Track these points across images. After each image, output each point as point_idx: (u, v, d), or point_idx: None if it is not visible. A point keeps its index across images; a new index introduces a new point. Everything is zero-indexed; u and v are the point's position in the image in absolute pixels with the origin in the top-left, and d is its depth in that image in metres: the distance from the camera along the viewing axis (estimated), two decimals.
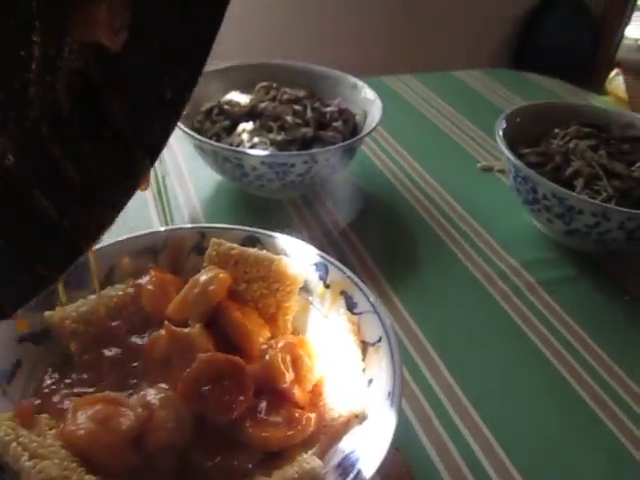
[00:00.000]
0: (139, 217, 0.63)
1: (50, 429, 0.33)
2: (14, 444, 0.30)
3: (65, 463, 0.30)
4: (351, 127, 0.69)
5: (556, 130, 0.66)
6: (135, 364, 0.39)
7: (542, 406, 0.47)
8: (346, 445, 0.33)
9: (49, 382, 0.37)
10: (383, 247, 0.63)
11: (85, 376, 0.37)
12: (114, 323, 0.40)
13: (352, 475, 0.30)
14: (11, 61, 0.24)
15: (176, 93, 0.30)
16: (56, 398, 0.36)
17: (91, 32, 0.25)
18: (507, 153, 0.59)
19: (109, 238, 0.43)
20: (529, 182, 0.58)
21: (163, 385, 0.35)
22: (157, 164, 0.67)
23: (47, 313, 0.38)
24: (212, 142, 0.60)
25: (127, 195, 0.27)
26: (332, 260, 0.43)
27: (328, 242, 0.62)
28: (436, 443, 0.43)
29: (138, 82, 0.28)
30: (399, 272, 0.59)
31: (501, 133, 0.62)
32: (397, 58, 1.63)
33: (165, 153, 0.75)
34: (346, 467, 0.31)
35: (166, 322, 0.38)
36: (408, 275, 0.60)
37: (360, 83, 0.73)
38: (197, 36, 0.29)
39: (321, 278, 0.43)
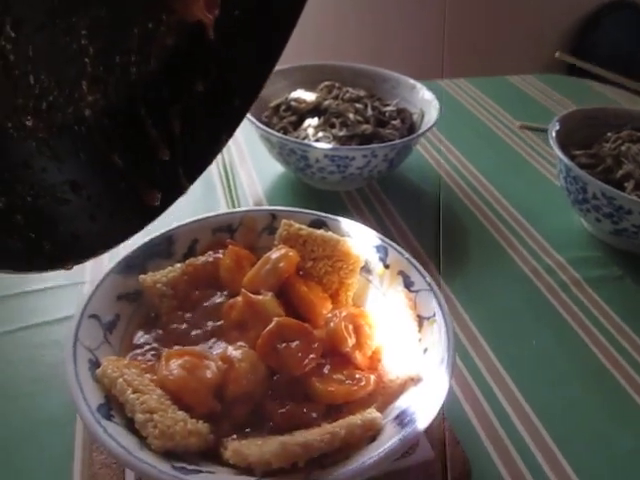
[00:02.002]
0: (207, 202, 0.68)
1: (146, 373, 0.38)
2: (120, 380, 0.35)
3: (161, 399, 0.35)
4: (408, 126, 0.73)
5: (609, 134, 0.69)
6: (211, 325, 0.44)
7: (584, 392, 0.50)
8: (402, 403, 0.37)
9: (141, 338, 0.42)
10: (435, 240, 0.66)
11: (171, 333, 0.43)
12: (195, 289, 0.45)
13: (408, 427, 0.34)
14: (118, 25, 0.28)
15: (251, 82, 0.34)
16: (146, 351, 0.42)
17: (189, 8, 0.29)
18: (559, 153, 0.62)
19: (190, 217, 0.49)
20: (579, 182, 0.61)
21: (241, 343, 0.40)
22: (225, 153, 0.74)
23: (141, 277, 0.43)
24: (280, 135, 0.65)
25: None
26: (391, 243, 0.47)
27: (382, 233, 0.65)
28: (479, 414, 0.46)
29: (221, 64, 0.33)
30: (450, 263, 0.63)
31: (554, 134, 0.65)
32: (453, 62, 1.66)
33: (231, 144, 0.81)
34: (402, 420, 0.35)
35: (243, 290, 0.43)
36: (458, 267, 0.63)
37: (418, 85, 0.77)
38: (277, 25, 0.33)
39: (381, 259, 0.47)
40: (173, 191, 0.33)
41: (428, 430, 0.40)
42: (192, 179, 0.32)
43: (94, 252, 0.28)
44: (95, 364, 0.37)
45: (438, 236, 0.67)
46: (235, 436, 0.35)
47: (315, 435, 0.32)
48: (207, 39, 0.31)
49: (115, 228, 0.29)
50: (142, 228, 0.30)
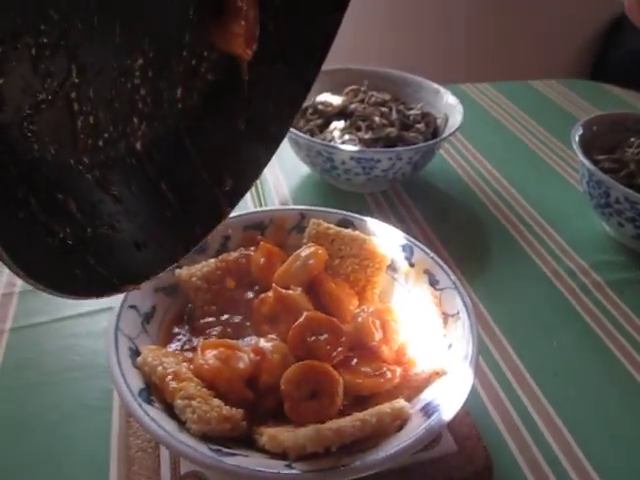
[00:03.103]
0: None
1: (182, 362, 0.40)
2: (160, 367, 0.37)
3: (198, 387, 0.37)
4: (432, 129, 0.75)
5: (632, 139, 0.69)
6: (243, 319, 0.45)
7: (604, 392, 0.50)
8: (428, 396, 0.38)
9: (177, 329, 0.44)
10: (457, 241, 0.67)
11: (205, 325, 0.45)
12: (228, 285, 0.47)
13: (434, 417, 0.35)
14: (166, 64, 0.30)
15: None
16: (182, 342, 0.44)
17: (229, 45, 0.31)
18: (582, 158, 0.63)
19: None
20: (602, 186, 0.62)
21: (272, 336, 0.42)
22: None
23: (177, 270, 0.45)
24: (307, 137, 0.67)
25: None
26: (417, 242, 0.48)
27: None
28: (500, 411, 0.48)
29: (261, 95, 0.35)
30: (472, 265, 0.64)
31: (577, 139, 0.66)
32: (475, 67, 1.67)
33: None
34: (428, 411, 0.36)
35: (274, 285, 0.44)
36: (480, 268, 0.64)
37: (442, 89, 0.78)
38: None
39: (406, 258, 0.48)
40: (214, 217, 0.35)
41: (451, 424, 0.42)
42: (233, 205, 0.34)
43: (145, 277, 0.30)
44: (135, 352, 0.39)
45: (460, 239, 0.68)
46: (269, 424, 0.37)
47: (347, 422, 0.34)
48: (243, 77, 0.33)
49: (163, 255, 0.31)
50: (186, 253, 0.32)
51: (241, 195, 0.35)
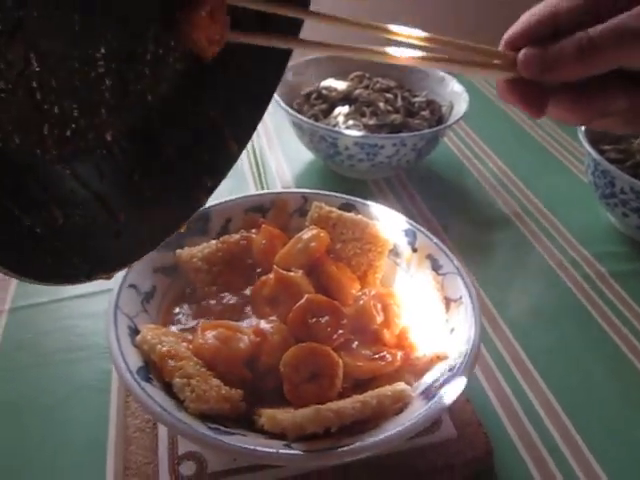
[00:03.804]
0: (238, 187, 0.70)
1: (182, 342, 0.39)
2: (159, 346, 0.36)
3: (197, 366, 0.36)
4: (437, 117, 0.74)
5: None
6: (243, 300, 0.45)
7: (606, 381, 0.50)
8: (429, 379, 0.38)
9: (177, 310, 0.44)
10: (460, 230, 0.67)
11: (205, 306, 0.44)
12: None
13: (434, 401, 0.35)
14: (131, 53, 0.30)
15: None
16: (182, 322, 0.43)
17: (191, 37, 0.30)
18: (588, 147, 0.62)
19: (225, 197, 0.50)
20: (608, 176, 0.61)
21: (272, 317, 0.42)
22: (255, 139, 0.75)
23: (178, 251, 0.45)
24: (311, 122, 0.66)
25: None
26: (420, 227, 0.48)
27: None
28: (501, 398, 0.47)
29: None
30: (475, 253, 0.63)
31: (583, 129, 0.65)
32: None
33: (261, 132, 0.82)
34: (429, 394, 0.36)
35: (275, 267, 0.44)
36: (483, 257, 0.64)
37: (448, 77, 0.78)
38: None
39: (409, 243, 0.48)
40: (189, 206, 0.35)
41: (451, 410, 0.42)
42: (209, 193, 0.34)
43: (120, 265, 0.30)
44: (134, 331, 0.38)
45: (464, 228, 0.68)
46: (268, 406, 0.37)
47: (347, 403, 0.34)
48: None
49: (137, 244, 0.31)
50: (161, 242, 0.32)
51: (217, 183, 0.35)
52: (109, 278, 0.29)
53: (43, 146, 0.27)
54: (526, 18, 0.32)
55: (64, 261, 0.27)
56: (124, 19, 0.28)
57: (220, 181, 0.35)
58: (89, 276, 0.28)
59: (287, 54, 0.35)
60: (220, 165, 0.35)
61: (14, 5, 0.23)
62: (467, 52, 0.32)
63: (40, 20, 0.24)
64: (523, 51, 0.31)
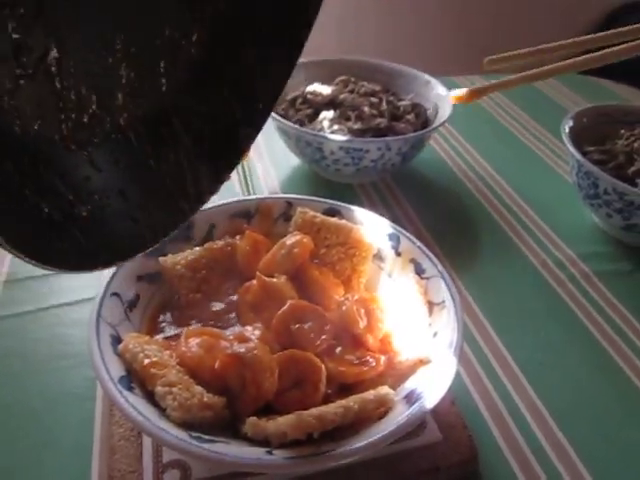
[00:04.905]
0: (224, 192, 0.69)
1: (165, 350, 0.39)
2: (141, 354, 0.36)
3: (180, 374, 0.36)
4: (422, 120, 0.74)
5: (622, 131, 0.69)
6: (227, 307, 0.45)
7: (591, 381, 0.50)
8: (412, 384, 0.38)
9: (160, 318, 0.44)
10: (446, 232, 0.67)
11: (188, 314, 0.44)
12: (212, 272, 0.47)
13: (417, 405, 0.35)
14: (149, 39, 0.30)
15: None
16: (165, 330, 0.43)
17: None
18: (571, 149, 0.63)
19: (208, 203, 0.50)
20: (591, 177, 0.61)
21: (256, 324, 0.42)
22: None
23: (162, 258, 0.45)
24: (296, 127, 0.66)
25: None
26: (404, 231, 0.48)
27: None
28: (486, 400, 0.47)
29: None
30: (460, 255, 0.64)
31: (567, 130, 0.65)
32: (468, 59, 1.67)
33: None
34: (411, 399, 0.36)
35: (258, 273, 0.44)
36: (469, 259, 0.64)
37: (433, 80, 0.78)
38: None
39: (393, 247, 0.48)
40: (199, 195, 0.35)
41: (436, 413, 0.42)
42: (221, 182, 0.34)
43: (135, 252, 0.30)
44: (117, 339, 0.38)
45: (449, 230, 0.68)
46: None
47: (329, 409, 0.34)
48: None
49: (152, 231, 0.31)
50: (175, 229, 0.32)
51: (226, 175, 0.35)
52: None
53: (61, 131, 0.27)
54: None
55: (81, 248, 0.27)
56: (144, 4, 0.28)
57: (227, 175, 0.35)
58: (107, 263, 0.28)
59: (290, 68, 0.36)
60: (232, 154, 0.35)
61: None
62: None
63: (60, 4, 0.24)
64: None
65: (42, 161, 0.26)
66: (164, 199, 0.33)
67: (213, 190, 0.35)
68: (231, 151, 0.35)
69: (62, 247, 0.26)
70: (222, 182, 0.35)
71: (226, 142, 0.35)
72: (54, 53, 0.25)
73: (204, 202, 0.35)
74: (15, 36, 0.23)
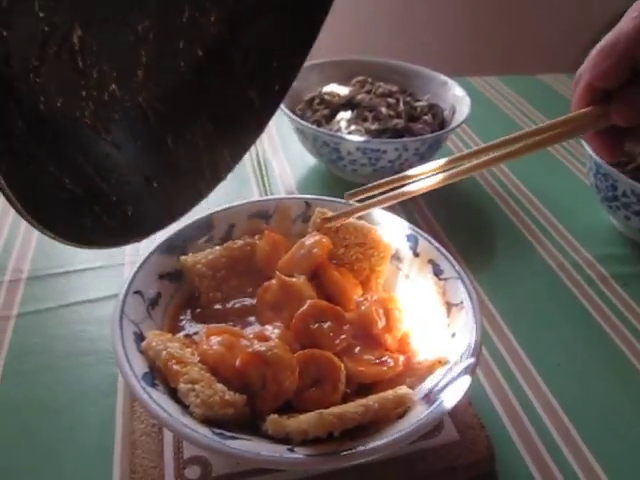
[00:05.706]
0: (241, 193, 0.70)
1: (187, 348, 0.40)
2: (164, 352, 0.37)
3: (202, 372, 0.37)
4: (439, 121, 0.74)
5: None
6: (246, 306, 0.46)
7: (607, 384, 0.50)
8: (430, 384, 0.38)
9: (182, 316, 0.45)
10: (463, 233, 0.67)
11: (209, 312, 0.45)
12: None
13: (436, 405, 0.35)
14: (169, 17, 0.30)
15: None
16: (188, 328, 0.44)
17: None
18: (589, 151, 0.62)
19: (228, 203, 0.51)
20: (609, 179, 0.61)
21: (276, 323, 0.42)
22: (258, 145, 0.76)
23: (182, 257, 0.45)
24: (314, 127, 0.67)
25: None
26: (422, 232, 0.48)
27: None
28: (503, 401, 0.48)
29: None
30: (477, 257, 0.64)
31: None
32: (484, 60, 1.66)
33: (265, 137, 0.83)
34: (430, 399, 0.36)
35: (277, 272, 0.45)
36: (485, 260, 0.64)
37: (450, 81, 0.78)
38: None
39: (411, 248, 0.48)
40: (216, 175, 0.35)
41: (453, 413, 0.42)
42: (235, 161, 0.35)
43: (153, 230, 0.31)
44: (139, 337, 0.39)
45: (466, 231, 0.68)
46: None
47: (350, 407, 0.34)
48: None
49: (170, 209, 0.32)
50: (191, 208, 0.33)
51: (242, 152, 0.36)
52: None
53: (82, 109, 0.28)
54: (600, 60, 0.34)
55: (103, 225, 0.28)
56: None
57: (244, 152, 0.36)
58: (127, 240, 0.29)
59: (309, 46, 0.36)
60: (243, 140, 0.36)
61: None
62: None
63: None
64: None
65: (65, 137, 0.27)
66: (181, 178, 0.33)
67: (228, 169, 0.35)
68: (246, 132, 0.36)
69: (85, 224, 0.27)
70: (236, 162, 0.36)
71: (241, 123, 0.36)
72: (78, 32, 0.25)
73: (220, 180, 0.35)
74: (41, 14, 0.23)
